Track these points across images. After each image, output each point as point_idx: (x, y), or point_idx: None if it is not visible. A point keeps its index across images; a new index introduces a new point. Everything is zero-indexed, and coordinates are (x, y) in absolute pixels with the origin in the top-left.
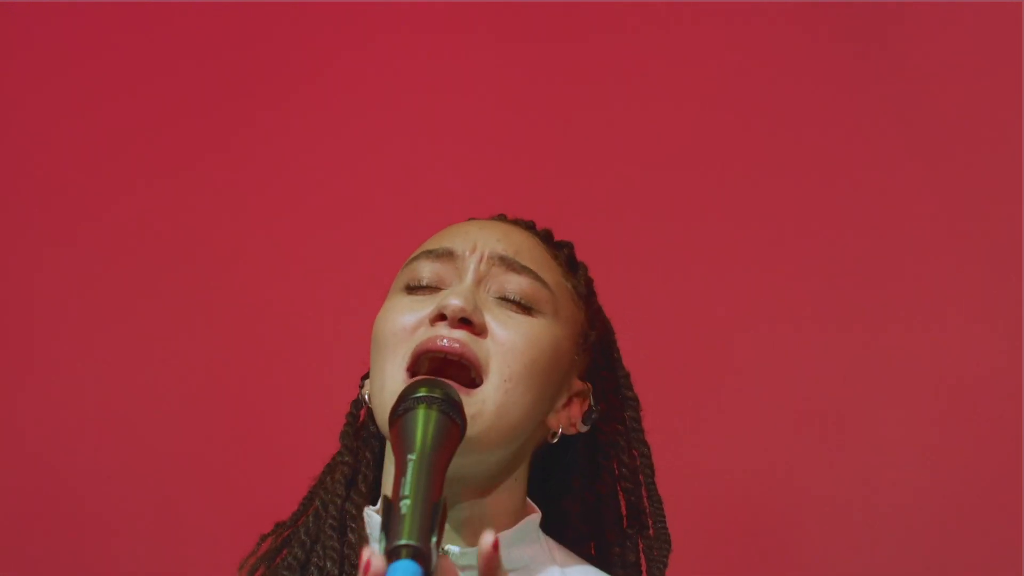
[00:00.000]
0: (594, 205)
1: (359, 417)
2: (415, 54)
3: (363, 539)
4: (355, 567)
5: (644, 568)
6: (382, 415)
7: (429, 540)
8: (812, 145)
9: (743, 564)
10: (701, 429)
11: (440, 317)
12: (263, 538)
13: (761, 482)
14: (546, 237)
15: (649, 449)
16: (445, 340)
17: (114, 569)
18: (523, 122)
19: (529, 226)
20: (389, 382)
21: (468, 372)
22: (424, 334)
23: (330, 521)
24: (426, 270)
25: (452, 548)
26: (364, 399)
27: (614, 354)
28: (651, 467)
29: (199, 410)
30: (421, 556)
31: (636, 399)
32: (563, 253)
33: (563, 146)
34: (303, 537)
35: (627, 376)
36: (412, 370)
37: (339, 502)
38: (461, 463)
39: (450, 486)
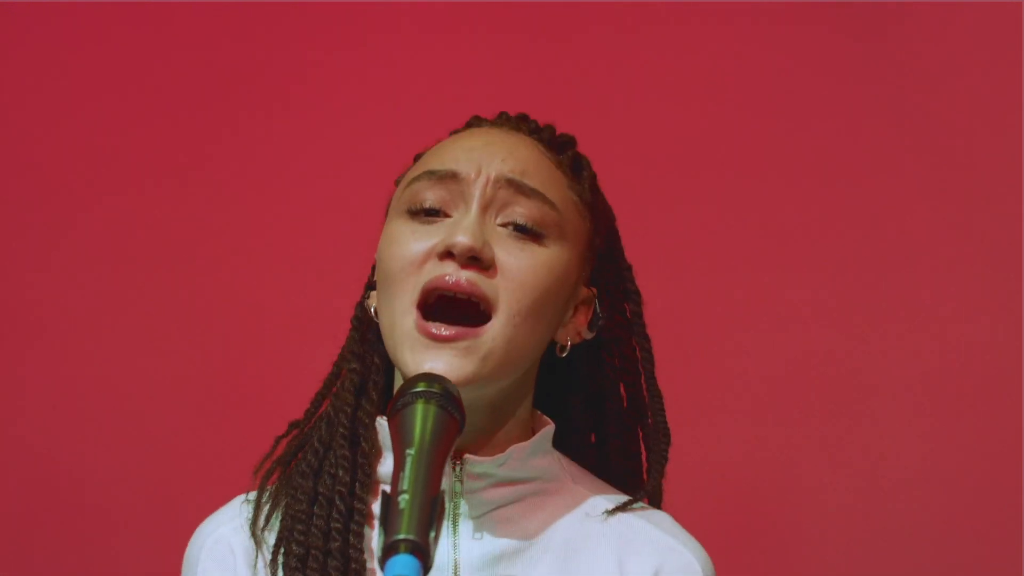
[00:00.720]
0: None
1: (365, 322)
2: (413, 51)
3: (375, 449)
4: (368, 475)
5: (645, 459)
6: (391, 346)
7: (427, 534)
8: (812, 144)
9: (742, 563)
10: (701, 426)
11: (448, 254)
12: (278, 440)
13: (760, 480)
14: (550, 141)
15: (650, 343)
16: (454, 278)
17: (114, 566)
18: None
19: (532, 130)
20: (399, 319)
21: (477, 306)
22: (432, 270)
23: (341, 430)
24: (429, 194)
25: (471, 457)
26: (371, 311)
27: (617, 250)
28: (651, 360)
29: (200, 406)
30: (419, 550)
31: (638, 292)
32: (567, 156)
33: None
34: (316, 444)
35: (629, 269)
36: (422, 307)
37: (349, 411)
38: (474, 395)
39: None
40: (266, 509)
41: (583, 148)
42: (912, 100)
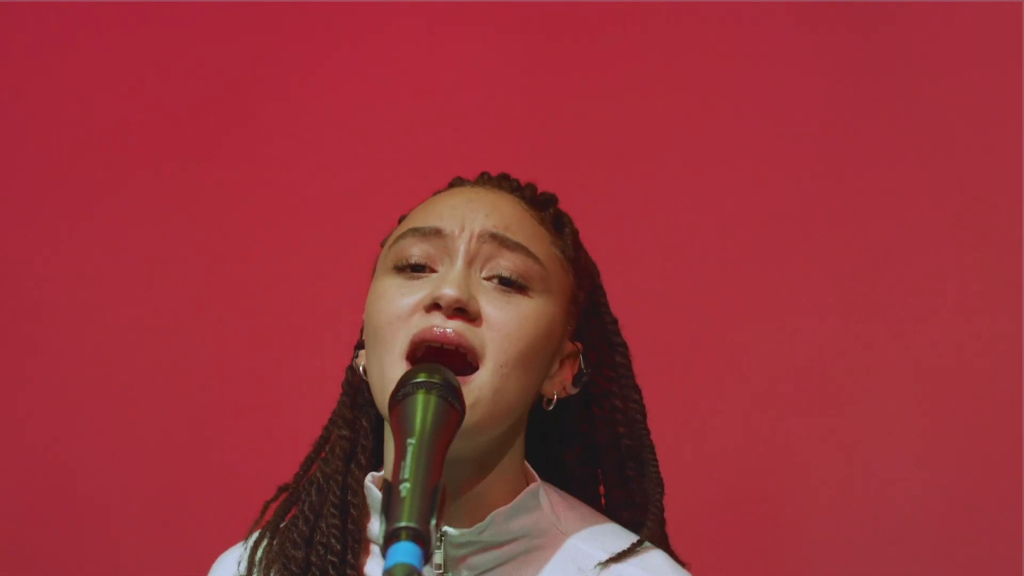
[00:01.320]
0: (595, 199)
1: (355, 386)
2: (414, 48)
3: (364, 514)
4: (358, 541)
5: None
6: (382, 401)
7: (428, 522)
8: (811, 142)
9: (739, 560)
10: (698, 423)
11: (435, 306)
12: (267, 504)
13: (757, 476)
14: (532, 199)
15: (640, 394)
16: (442, 329)
17: (115, 564)
18: (522, 116)
19: (514, 188)
20: (388, 371)
21: (464, 357)
22: (420, 322)
23: (331, 498)
24: (415, 250)
25: (450, 530)
26: (359, 371)
27: (601, 305)
28: (642, 411)
29: (199, 403)
30: (421, 538)
31: (625, 344)
32: (549, 214)
33: (562, 139)
34: (307, 512)
35: (615, 322)
36: (411, 358)
37: (340, 478)
38: (460, 446)
39: (449, 468)
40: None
41: (583, 142)
42: (912, 100)
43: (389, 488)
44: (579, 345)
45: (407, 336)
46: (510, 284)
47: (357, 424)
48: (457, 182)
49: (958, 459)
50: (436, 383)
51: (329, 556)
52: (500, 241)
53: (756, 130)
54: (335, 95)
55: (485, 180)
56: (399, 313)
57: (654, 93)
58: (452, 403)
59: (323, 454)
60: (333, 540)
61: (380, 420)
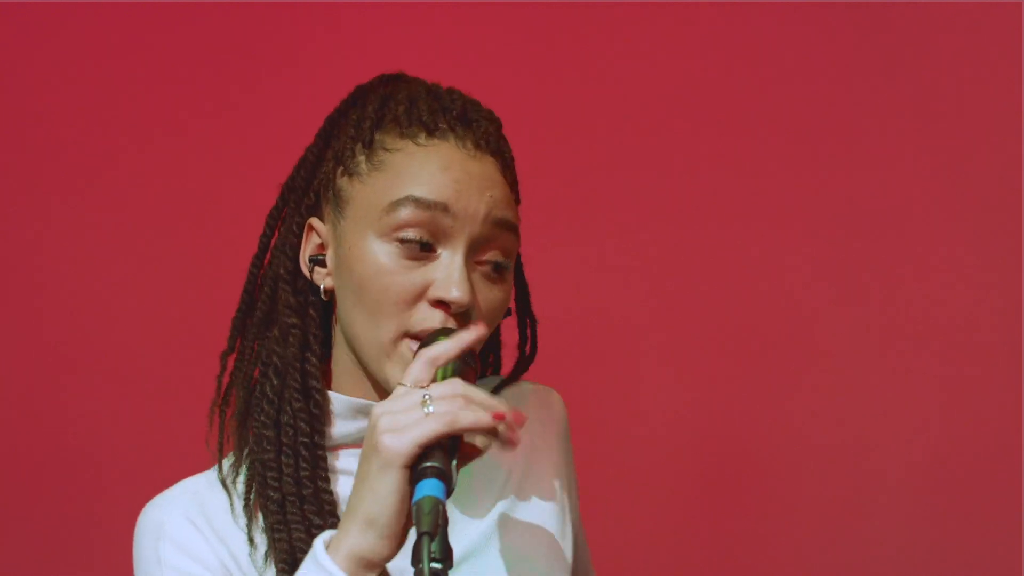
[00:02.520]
0: (593, 177)
1: (295, 275)
2: (409, 19)
3: (326, 400)
4: (323, 424)
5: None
6: (373, 360)
7: (450, 463)
8: (811, 136)
9: (727, 528)
10: (688, 388)
11: (444, 303)
12: (219, 378)
13: (747, 439)
14: (497, 147)
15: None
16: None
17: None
18: (517, 83)
19: (491, 145)
20: (389, 346)
21: None
22: (425, 315)
23: (293, 384)
24: (419, 226)
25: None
26: (320, 288)
27: None
28: (526, 292)
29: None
30: (444, 476)
31: None
32: (513, 163)
33: (560, 117)
34: (269, 394)
35: None
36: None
37: (298, 364)
38: None
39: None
40: (231, 456)
41: (581, 129)
42: (912, 99)
43: None
44: None
45: (409, 323)
46: (499, 268)
47: (304, 312)
48: (439, 128)
49: (955, 423)
50: None
51: (300, 438)
52: (500, 224)
53: (759, 118)
54: (322, 77)
55: (463, 133)
56: (403, 296)
57: (649, 45)
58: (468, 362)
59: (267, 336)
60: (302, 423)
61: (328, 314)
